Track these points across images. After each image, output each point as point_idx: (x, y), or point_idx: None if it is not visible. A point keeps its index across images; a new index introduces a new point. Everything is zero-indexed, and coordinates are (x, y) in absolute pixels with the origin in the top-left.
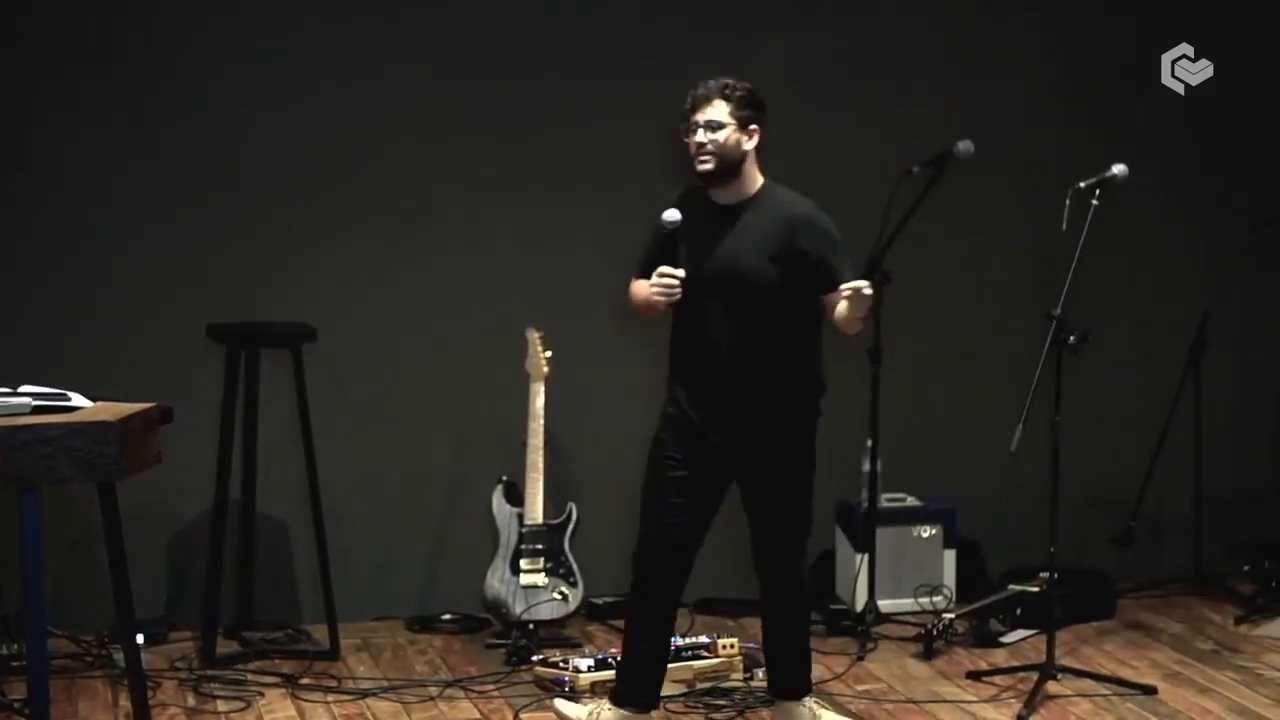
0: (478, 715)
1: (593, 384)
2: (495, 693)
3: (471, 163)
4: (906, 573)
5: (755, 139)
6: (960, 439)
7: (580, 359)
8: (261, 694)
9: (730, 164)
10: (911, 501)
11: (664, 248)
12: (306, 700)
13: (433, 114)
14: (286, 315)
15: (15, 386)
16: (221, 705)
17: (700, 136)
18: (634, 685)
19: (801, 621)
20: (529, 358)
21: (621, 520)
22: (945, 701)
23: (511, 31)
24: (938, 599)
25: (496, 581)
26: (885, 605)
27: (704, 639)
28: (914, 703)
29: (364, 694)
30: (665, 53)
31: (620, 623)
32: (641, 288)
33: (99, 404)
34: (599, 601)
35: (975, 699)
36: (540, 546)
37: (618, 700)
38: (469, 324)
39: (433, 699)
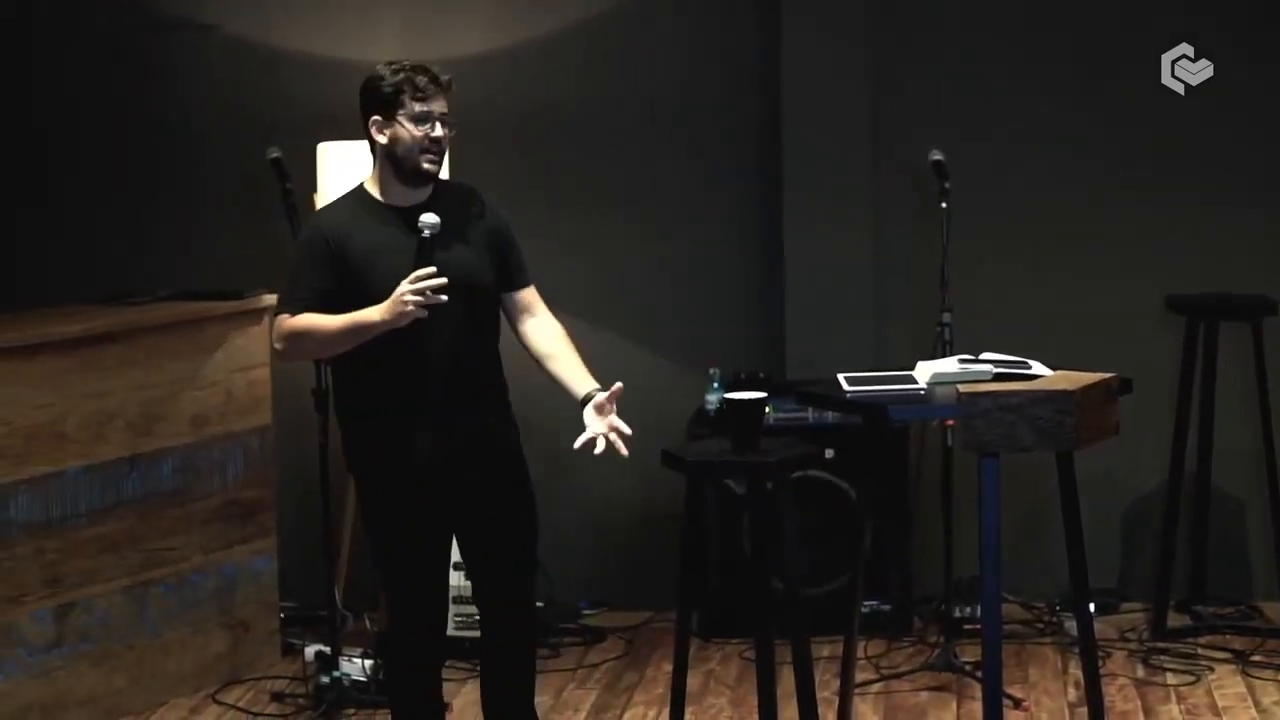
0: None
1: None
2: None
3: None
4: None
5: None
6: None
7: None
8: (1211, 669)
9: None
10: None
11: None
12: (1257, 678)
13: None
14: (1248, 288)
15: (977, 354)
16: (1170, 678)
17: (438, 131)
18: None
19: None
20: None
21: None
22: None
23: None
24: None
25: None
26: None
27: None
28: None
29: None
30: None
31: None
32: (323, 319)
33: (1058, 373)
34: None
35: None
36: None
37: None
38: None
39: None
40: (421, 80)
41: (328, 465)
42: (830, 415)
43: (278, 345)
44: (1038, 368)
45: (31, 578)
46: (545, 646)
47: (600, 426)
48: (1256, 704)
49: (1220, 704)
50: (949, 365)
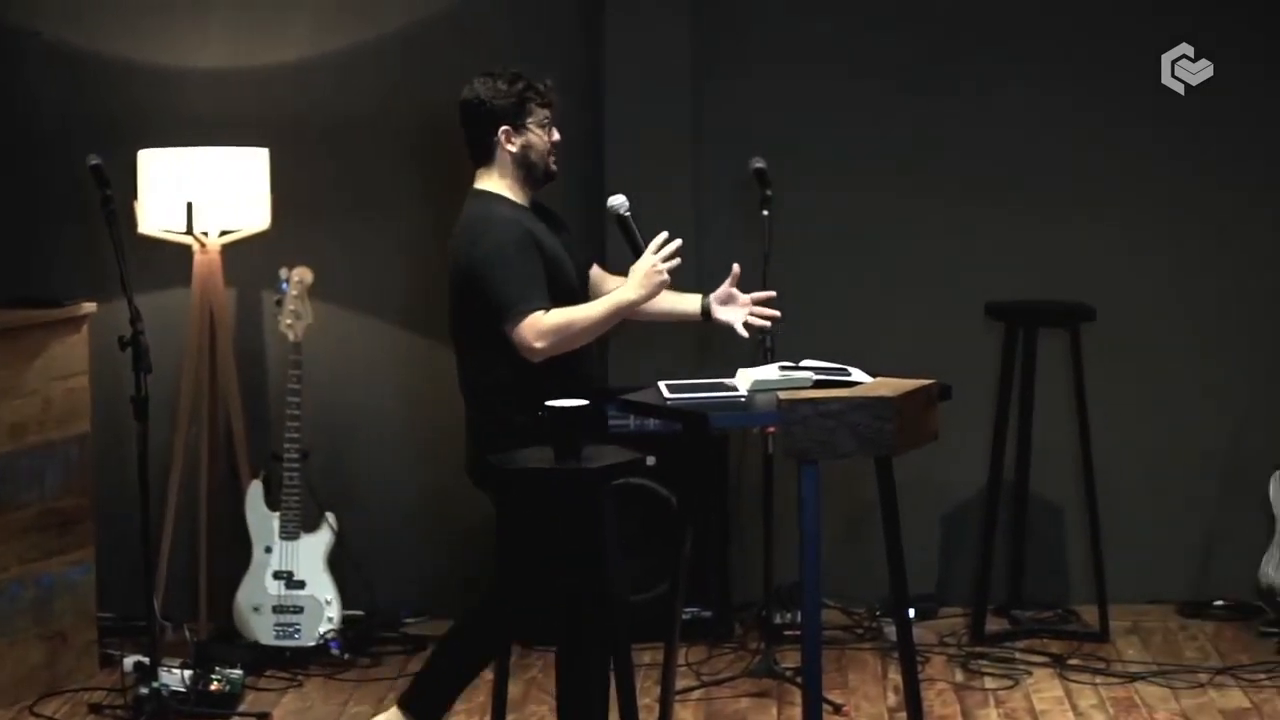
0: (1248, 704)
1: None
2: (1267, 682)
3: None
4: None
5: None
6: None
7: None
8: (1029, 673)
9: None
10: None
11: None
12: (1074, 681)
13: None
14: (1065, 294)
15: (797, 361)
16: (989, 682)
17: (556, 134)
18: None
19: (442, 642)
20: None
21: None
22: None
23: None
24: None
25: (1271, 569)
26: None
27: None
28: None
29: (1133, 678)
30: None
31: None
32: (582, 309)
33: (878, 379)
34: None
35: None
36: None
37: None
38: (1242, 306)
39: (1202, 685)
40: (541, 87)
41: (147, 474)
42: (652, 422)
43: (540, 343)
44: (857, 374)
45: None
46: (367, 655)
47: (740, 314)
48: (1074, 707)
49: (1038, 707)
50: (769, 372)
